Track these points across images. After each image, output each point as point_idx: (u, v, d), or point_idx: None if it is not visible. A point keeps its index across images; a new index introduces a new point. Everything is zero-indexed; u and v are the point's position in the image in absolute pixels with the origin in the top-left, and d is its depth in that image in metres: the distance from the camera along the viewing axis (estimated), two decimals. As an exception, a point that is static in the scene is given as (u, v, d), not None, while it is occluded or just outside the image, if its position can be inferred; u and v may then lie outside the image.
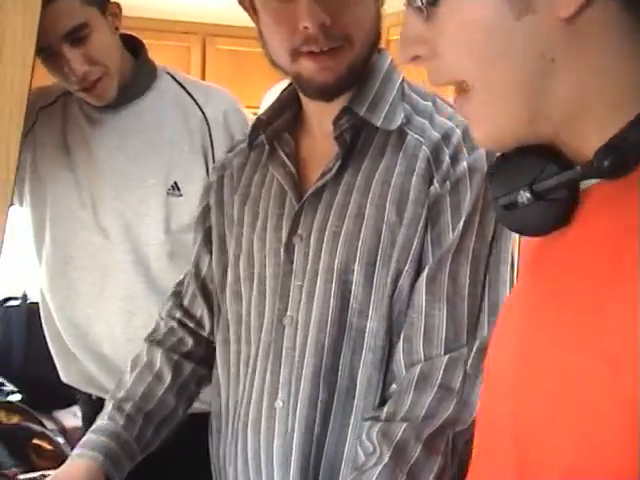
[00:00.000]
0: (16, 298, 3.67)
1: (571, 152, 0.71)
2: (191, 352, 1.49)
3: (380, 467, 1.13)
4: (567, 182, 0.69)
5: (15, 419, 2.20)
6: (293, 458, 1.27)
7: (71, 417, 3.23)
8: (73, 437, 2.79)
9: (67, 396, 3.49)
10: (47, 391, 2.85)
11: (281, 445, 1.28)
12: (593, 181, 0.69)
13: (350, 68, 1.24)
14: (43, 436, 2.09)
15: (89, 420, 2.02)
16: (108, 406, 1.42)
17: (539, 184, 0.70)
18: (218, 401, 1.44)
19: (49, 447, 2.08)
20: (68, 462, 1.34)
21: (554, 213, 0.71)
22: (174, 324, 1.51)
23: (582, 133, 0.70)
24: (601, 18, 0.67)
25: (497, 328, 0.89)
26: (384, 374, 1.25)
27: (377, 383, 1.25)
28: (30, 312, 3.59)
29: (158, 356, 1.47)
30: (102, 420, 1.39)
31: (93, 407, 1.96)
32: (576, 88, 0.69)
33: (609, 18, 0.67)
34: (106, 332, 1.87)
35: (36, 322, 3.58)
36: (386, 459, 1.13)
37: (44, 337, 3.54)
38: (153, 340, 1.51)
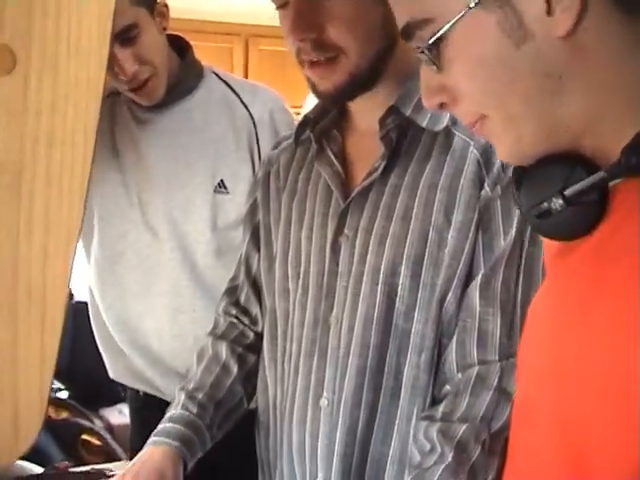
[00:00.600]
0: (62, 297, 3.71)
1: (594, 155, 0.73)
2: (252, 345, 1.52)
3: (443, 466, 1.13)
4: (597, 184, 0.70)
5: (64, 415, 2.24)
6: (336, 456, 1.27)
7: (117, 414, 3.27)
8: (119, 434, 2.83)
9: (113, 394, 3.55)
10: (94, 389, 2.89)
11: (325, 443, 1.29)
12: (617, 181, 0.70)
13: (352, 77, 1.23)
14: (92, 432, 2.13)
15: (137, 416, 2.07)
16: (180, 397, 1.45)
17: (570, 189, 0.72)
18: (265, 397, 1.46)
19: (98, 442, 2.11)
20: (145, 449, 1.37)
21: (588, 216, 0.72)
22: (232, 319, 1.55)
23: (602, 136, 0.72)
24: (597, 25, 0.69)
25: (527, 325, 0.90)
26: (433, 376, 1.25)
27: (425, 385, 1.24)
28: (76, 311, 3.62)
29: (223, 349, 1.50)
30: (175, 410, 1.43)
31: (141, 403, 2.00)
32: (588, 96, 0.70)
33: (605, 22, 0.69)
34: (154, 329, 1.89)
35: (82, 321, 3.62)
36: (449, 459, 1.13)
37: (90, 336, 3.58)
38: (216, 335, 1.54)
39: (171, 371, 1.85)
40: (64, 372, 3.32)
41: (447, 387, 1.23)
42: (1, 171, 1.41)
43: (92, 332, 3.55)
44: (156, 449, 1.37)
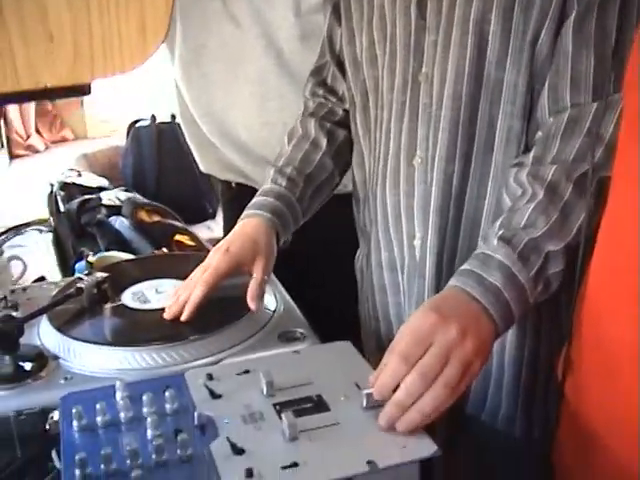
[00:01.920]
0: (145, 119, 3.76)
1: None
2: (341, 121, 1.52)
3: (534, 203, 1.11)
4: None
5: (156, 218, 2.27)
6: (431, 214, 1.28)
7: (206, 230, 3.35)
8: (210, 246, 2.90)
9: (201, 211, 3.63)
10: (181, 207, 2.92)
11: (421, 201, 1.29)
12: None
13: None
14: (185, 232, 2.14)
15: (229, 208, 2.09)
16: (270, 172, 1.47)
17: None
18: (361, 170, 1.46)
19: (191, 243, 2.13)
20: (238, 224, 1.40)
21: None
22: (320, 99, 1.55)
23: None
24: None
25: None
26: (526, 125, 1.22)
27: (518, 134, 1.22)
28: (159, 132, 3.68)
29: (312, 126, 1.51)
30: (265, 185, 1.45)
31: (233, 194, 2.02)
32: None
33: None
34: (241, 118, 1.88)
35: (165, 142, 3.70)
36: (540, 196, 1.11)
37: (174, 157, 3.64)
38: (304, 114, 1.55)
39: (261, 160, 1.86)
40: (151, 194, 3.40)
41: (539, 133, 1.20)
42: None
43: (176, 153, 3.62)
44: (248, 221, 1.39)
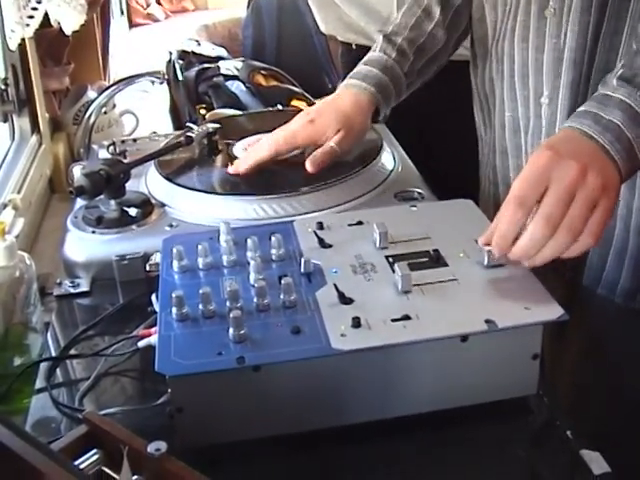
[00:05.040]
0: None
1: None
2: None
3: None
4: None
5: (273, 82, 2.19)
6: (564, 69, 1.16)
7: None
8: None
9: (319, 86, 3.52)
10: (300, 81, 2.83)
11: (552, 56, 1.17)
12: None
13: None
14: (302, 97, 2.06)
15: (349, 71, 1.99)
16: (378, 39, 1.37)
17: None
18: (480, 25, 1.34)
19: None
20: (336, 92, 1.32)
21: None
22: None
23: None
24: None
25: None
26: None
27: None
28: (280, 4, 3.58)
29: None
30: (373, 52, 1.35)
31: (353, 56, 1.93)
32: None
33: None
34: None
35: (287, 14, 3.60)
36: None
37: (294, 29, 3.54)
38: None
39: (384, 19, 1.75)
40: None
41: None
42: None
43: (297, 26, 3.52)
44: (347, 92, 1.30)
